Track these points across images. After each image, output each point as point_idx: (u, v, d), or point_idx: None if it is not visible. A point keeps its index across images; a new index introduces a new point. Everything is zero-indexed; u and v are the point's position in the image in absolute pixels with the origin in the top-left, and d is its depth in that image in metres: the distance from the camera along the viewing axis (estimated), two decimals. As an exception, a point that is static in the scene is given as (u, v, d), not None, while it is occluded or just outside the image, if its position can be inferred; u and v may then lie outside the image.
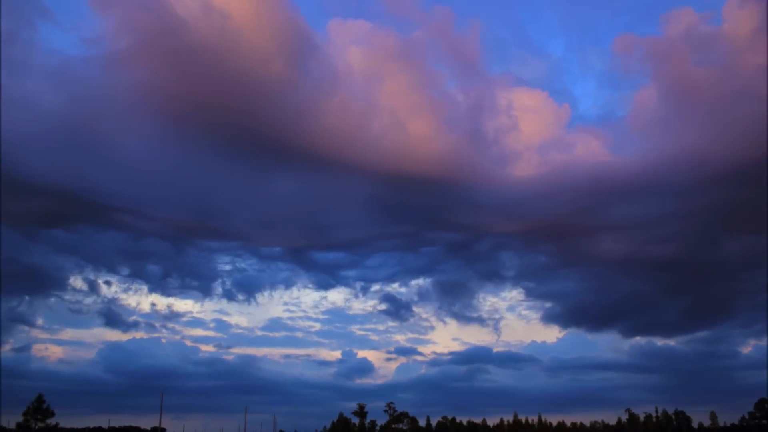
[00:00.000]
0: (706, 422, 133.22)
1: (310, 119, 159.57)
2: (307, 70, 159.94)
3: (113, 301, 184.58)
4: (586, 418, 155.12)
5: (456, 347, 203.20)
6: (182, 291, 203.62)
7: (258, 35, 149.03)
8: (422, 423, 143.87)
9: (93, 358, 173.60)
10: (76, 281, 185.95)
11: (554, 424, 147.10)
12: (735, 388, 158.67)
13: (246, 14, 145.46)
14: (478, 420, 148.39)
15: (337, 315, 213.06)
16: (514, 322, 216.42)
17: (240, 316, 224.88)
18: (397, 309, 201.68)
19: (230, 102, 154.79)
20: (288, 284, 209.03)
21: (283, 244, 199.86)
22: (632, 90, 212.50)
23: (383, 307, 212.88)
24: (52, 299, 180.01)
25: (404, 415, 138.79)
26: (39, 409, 77.24)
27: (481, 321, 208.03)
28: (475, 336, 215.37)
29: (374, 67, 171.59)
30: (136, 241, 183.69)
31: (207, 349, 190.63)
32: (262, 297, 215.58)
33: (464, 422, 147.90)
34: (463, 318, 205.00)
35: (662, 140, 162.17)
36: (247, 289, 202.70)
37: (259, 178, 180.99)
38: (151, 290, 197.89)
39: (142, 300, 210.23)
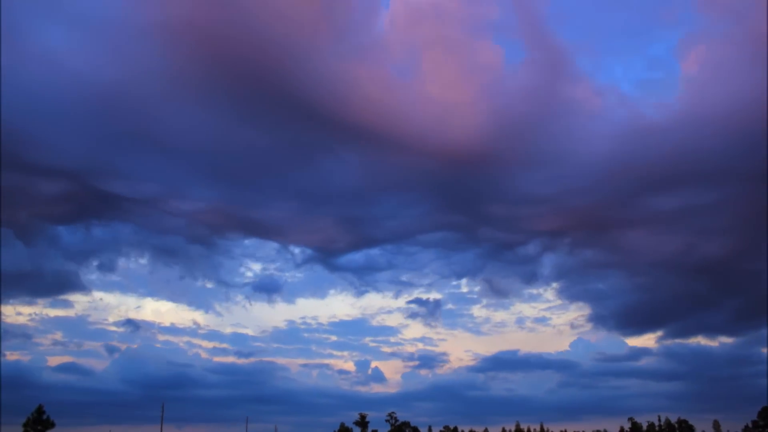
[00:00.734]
0: (709, 431, 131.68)
1: (353, 93, 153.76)
2: (352, 43, 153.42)
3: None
4: (589, 426, 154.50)
5: (484, 352, 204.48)
6: (197, 294, 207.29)
7: (301, 5, 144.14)
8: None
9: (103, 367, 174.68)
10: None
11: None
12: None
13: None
14: (480, 429, 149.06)
15: (358, 324, 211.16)
16: (549, 325, 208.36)
17: (258, 322, 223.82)
18: (428, 312, 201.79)
19: (270, 77, 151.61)
20: (315, 289, 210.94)
21: (317, 242, 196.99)
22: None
23: (413, 309, 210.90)
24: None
25: (405, 425, 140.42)
26: (39, 419, 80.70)
27: (518, 323, 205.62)
28: (507, 341, 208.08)
29: (423, 38, 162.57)
30: (154, 237, 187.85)
31: (220, 359, 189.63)
32: (284, 302, 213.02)
33: (465, 431, 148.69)
34: (495, 322, 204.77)
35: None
36: (268, 292, 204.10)
37: (298, 160, 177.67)
38: (168, 297, 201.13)
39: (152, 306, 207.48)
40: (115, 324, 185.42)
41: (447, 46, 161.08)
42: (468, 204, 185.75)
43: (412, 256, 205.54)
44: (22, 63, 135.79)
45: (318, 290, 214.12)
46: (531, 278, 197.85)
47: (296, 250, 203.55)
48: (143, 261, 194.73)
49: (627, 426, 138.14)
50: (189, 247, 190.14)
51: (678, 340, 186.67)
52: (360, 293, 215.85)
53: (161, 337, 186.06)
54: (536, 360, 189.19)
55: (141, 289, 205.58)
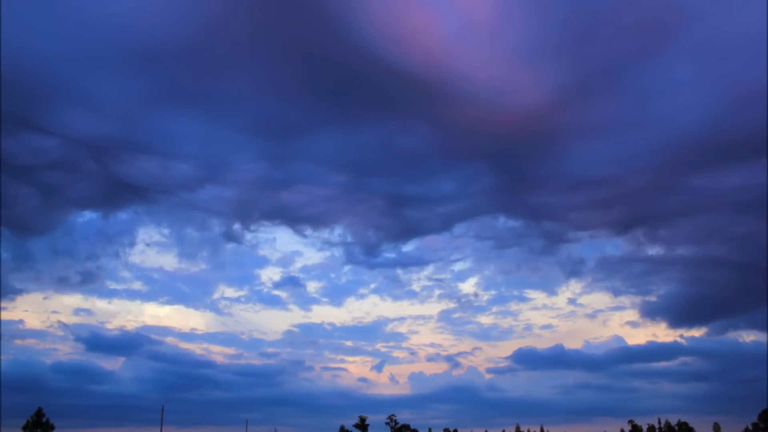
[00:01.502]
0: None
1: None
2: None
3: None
4: (590, 429, 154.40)
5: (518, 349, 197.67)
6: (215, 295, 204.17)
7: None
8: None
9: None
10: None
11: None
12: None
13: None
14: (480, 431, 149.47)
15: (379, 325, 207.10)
16: (592, 321, 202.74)
17: (272, 321, 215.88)
18: (459, 309, 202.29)
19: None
20: (345, 286, 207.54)
21: (356, 231, 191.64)
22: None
23: (444, 306, 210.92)
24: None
25: (405, 427, 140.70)
26: (38, 422, 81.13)
27: (560, 318, 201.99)
28: (544, 338, 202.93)
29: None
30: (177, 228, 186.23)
31: (226, 358, 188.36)
32: (302, 301, 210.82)
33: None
34: (528, 318, 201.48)
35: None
36: (288, 289, 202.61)
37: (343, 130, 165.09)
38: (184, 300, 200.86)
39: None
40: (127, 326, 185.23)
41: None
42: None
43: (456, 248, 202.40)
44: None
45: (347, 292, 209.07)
46: (578, 271, 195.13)
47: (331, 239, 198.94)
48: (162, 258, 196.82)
49: (627, 428, 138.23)
50: (214, 243, 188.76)
51: (727, 335, 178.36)
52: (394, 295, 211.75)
53: (174, 341, 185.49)
54: (562, 357, 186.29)
55: (158, 289, 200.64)
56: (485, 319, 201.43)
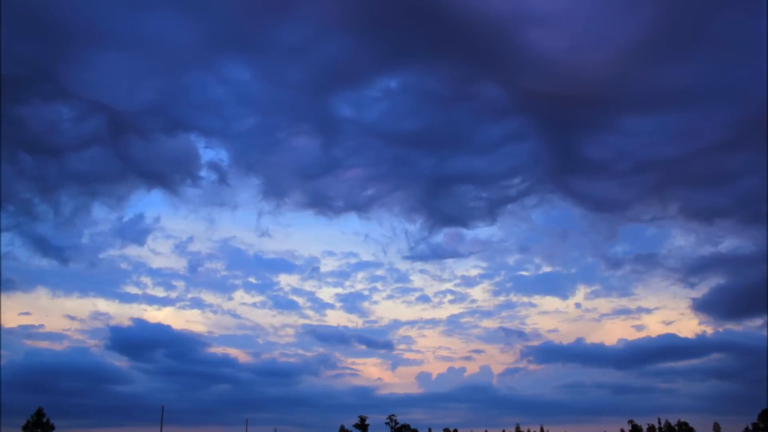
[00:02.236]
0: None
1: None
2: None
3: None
4: (589, 429, 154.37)
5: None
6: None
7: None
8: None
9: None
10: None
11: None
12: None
13: None
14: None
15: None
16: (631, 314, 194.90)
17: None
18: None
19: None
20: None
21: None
22: None
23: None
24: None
25: (406, 427, 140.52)
26: (39, 422, 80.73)
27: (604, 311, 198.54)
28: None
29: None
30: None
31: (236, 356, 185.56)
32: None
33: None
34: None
35: None
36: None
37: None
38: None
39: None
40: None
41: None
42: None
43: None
44: None
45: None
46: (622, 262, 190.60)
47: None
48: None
49: (627, 428, 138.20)
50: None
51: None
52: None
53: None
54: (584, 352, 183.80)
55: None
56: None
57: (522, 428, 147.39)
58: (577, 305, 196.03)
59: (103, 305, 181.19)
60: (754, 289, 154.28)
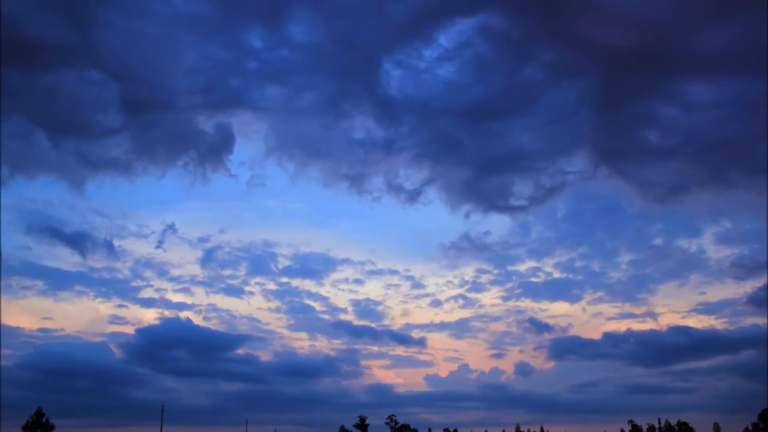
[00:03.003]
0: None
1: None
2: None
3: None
4: (590, 429, 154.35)
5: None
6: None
7: None
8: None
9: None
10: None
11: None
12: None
13: None
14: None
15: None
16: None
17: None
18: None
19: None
20: None
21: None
22: None
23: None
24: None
25: (406, 427, 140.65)
26: (38, 422, 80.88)
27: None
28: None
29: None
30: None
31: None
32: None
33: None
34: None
35: None
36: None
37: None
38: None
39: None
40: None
41: None
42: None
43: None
44: None
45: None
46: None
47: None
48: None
49: (627, 428, 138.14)
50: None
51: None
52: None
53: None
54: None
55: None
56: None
57: (522, 428, 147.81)
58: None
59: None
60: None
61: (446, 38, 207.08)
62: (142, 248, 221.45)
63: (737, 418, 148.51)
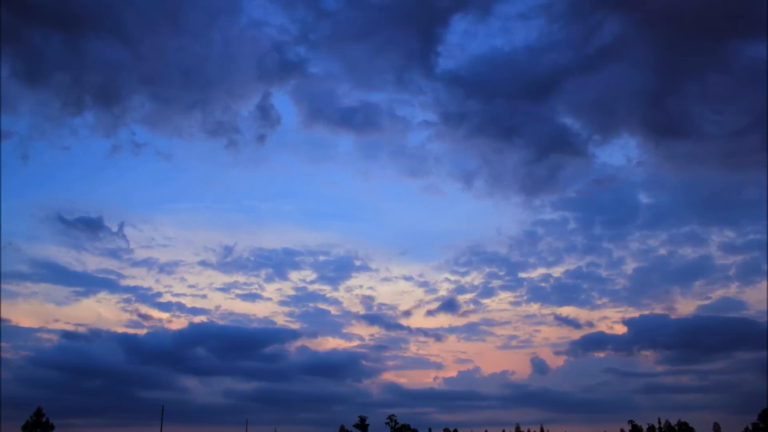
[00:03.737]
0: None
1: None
2: None
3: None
4: (590, 428, 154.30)
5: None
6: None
7: None
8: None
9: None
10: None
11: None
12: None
13: None
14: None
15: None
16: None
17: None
18: None
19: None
20: None
21: None
22: None
23: None
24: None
25: (405, 427, 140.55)
26: (38, 422, 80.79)
27: None
28: None
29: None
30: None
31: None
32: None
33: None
34: None
35: None
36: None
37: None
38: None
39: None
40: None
41: None
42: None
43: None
44: None
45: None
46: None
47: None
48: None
49: (627, 428, 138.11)
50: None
51: None
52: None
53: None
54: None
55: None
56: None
57: (522, 428, 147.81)
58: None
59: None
60: None
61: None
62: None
63: (737, 417, 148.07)
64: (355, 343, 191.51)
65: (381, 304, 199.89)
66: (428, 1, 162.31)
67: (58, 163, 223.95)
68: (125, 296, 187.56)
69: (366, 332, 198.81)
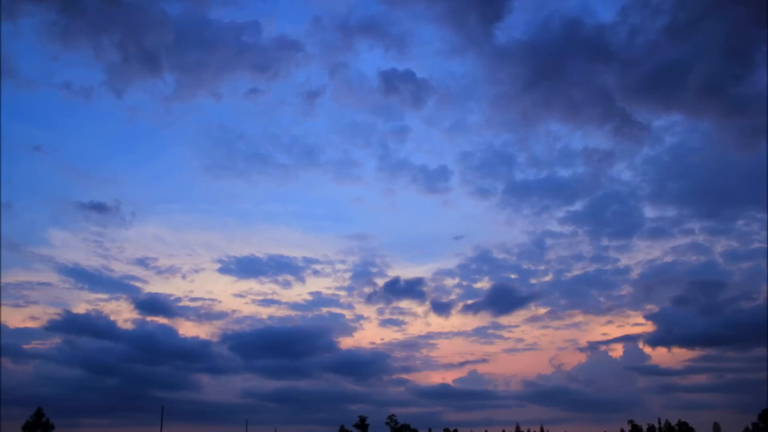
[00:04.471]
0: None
1: None
2: None
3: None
4: (590, 428, 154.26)
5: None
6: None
7: None
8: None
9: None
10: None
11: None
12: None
13: None
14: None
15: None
16: None
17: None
18: None
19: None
20: None
21: None
22: None
23: None
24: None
25: (405, 427, 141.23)
26: (38, 422, 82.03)
27: None
28: None
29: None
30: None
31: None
32: None
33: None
34: None
35: None
36: None
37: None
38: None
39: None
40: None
41: None
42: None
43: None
44: None
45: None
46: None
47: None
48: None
49: (627, 428, 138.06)
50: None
51: None
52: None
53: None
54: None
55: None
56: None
57: (522, 428, 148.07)
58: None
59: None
60: None
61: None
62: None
63: (737, 417, 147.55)
64: (373, 343, 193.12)
65: (394, 309, 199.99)
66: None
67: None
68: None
69: (379, 335, 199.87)
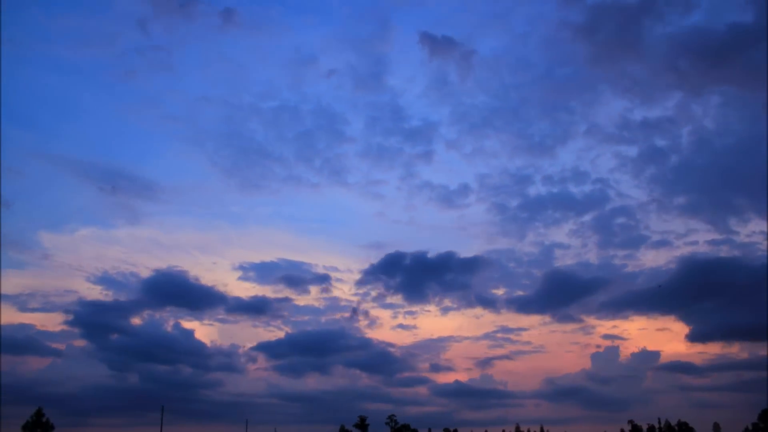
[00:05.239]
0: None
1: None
2: None
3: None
4: (590, 428, 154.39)
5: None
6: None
7: None
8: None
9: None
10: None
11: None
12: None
13: None
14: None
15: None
16: None
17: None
18: None
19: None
20: None
21: None
22: None
23: None
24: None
25: (405, 427, 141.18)
26: (38, 422, 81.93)
27: None
28: None
29: None
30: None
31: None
32: None
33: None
34: None
35: None
36: None
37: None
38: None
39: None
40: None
41: None
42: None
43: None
44: None
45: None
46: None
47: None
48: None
49: (627, 428, 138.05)
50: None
51: None
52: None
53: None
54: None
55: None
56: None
57: (522, 428, 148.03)
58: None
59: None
60: None
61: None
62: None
63: (737, 418, 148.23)
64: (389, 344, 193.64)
65: (406, 312, 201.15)
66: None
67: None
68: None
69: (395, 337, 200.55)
